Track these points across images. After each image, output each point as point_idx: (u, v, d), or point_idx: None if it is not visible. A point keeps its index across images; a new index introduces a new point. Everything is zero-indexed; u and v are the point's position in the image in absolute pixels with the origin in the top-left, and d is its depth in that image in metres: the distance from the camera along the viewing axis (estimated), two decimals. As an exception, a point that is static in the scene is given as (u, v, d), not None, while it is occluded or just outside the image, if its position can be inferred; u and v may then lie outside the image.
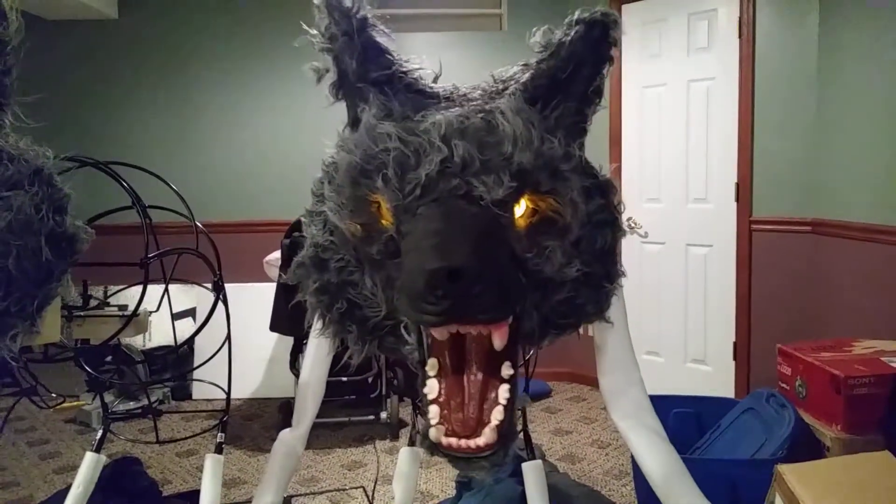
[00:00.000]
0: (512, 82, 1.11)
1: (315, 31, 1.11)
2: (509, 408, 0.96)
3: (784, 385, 2.46)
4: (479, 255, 0.86)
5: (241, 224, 4.22)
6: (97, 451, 1.71)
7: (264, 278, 3.61)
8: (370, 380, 3.40)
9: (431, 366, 0.99)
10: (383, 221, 0.99)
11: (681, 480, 1.26)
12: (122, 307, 2.04)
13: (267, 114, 4.27)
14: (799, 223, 3.29)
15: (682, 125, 3.65)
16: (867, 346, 2.43)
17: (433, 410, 0.96)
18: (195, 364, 3.44)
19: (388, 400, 3.47)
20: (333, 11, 1.07)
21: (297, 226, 3.26)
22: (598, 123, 1.15)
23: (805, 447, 2.16)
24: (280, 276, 3.22)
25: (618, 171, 1.11)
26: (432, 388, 0.98)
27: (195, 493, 1.93)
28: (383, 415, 3.45)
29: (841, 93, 3.03)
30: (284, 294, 3.15)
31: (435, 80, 1.18)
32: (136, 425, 3.65)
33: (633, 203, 3.80)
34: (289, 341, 3.44)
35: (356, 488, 2.86)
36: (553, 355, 3.94)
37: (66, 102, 4.22)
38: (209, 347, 2.11)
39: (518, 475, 1.64)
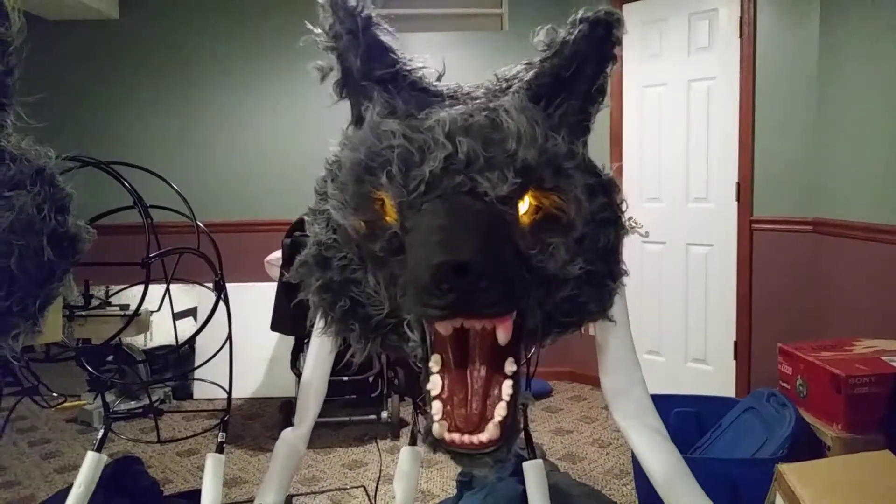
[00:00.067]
0: (515, 81, 1.12)
1: (319, 30, 1.11)
2: (512, 404, 0.96)
3: (785, 384, 2.46)
4: (485, 250, 0.87)
5: (243, 224, 4.23)
6: (98, 450, 1.71)
7: (265, 278, 3.61)
8: (371, 379, 3.41)
9: (434, 362, 0.99)
10: (387, 218, 0.99)
11: (683, 480, 1.26)
12: (124, 307, 2.04)
13: (268, 113, 4.27)
14: (800, 223, 3.29)
15: (683, 125, 3.66)
16: (868, 345, 2.43)
17: (436, 406, 0.96)
18: (196, 364, 3.44)
19: (389, 399, 3.47)
20: (338, 10, 1.08)
21: (297, 225, 3.27)
22: (599, 123, 1.16)
23: (806, 446, 2.16)
24: (282, 274, 3.22)
25: (619, 170, 1.11)
26: (435, 384, 0.98)
27: (196, 493, 1.93)
28: (384, 414, 3.45)
29: (841, 92, 3.03)
30: (286, 293, 3.15)
31: (438, 79, 1.18)
32: (138, 425, 3.65)
33: (634, 202, 3.80)
34: (290, 341, 3.44)
35: (357, 487, 2.86)
36: (554, 355, 3.95)
37: (67, 102, 4.22)
38: (210, 347, 2.11)
39: (519, 474, 1.64)
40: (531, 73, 1.09)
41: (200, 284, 2.40)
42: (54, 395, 1.99)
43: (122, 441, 3.33)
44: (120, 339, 2.00)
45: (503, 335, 0.94)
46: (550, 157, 0.98)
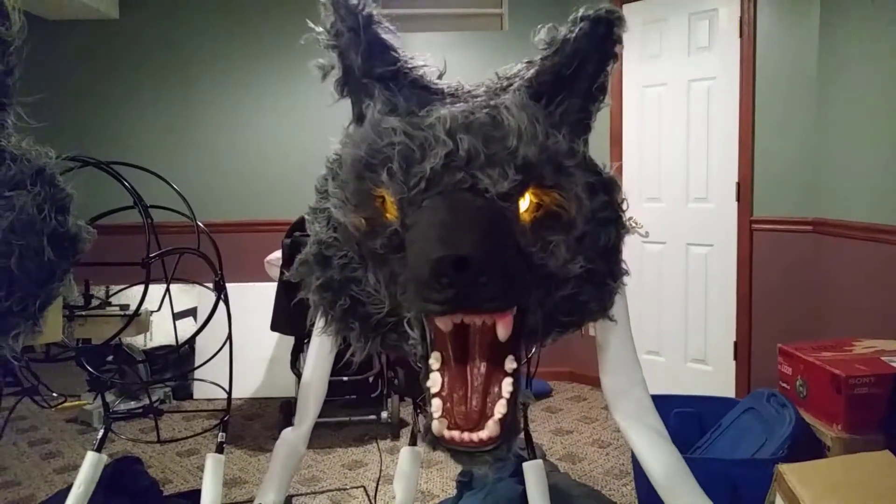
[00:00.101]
0: (516, 79, 1.12)
1: (320, 29, 1.12)
2: (512, 401, 0.96)
3: (784, 385, 2.46)
4: (485, 245, 0.87)
5: (243, 224, 4.23)
6: (98, 450, 1.71)
7: (265, 278, 3.61)
8: (371, 379, 3.41)
9: (434, 359, 0.99)
10: (387, 215, 0.99)
11: (683, 480, 1.26)
12: (124, 307, 2.04)
13: (268, 113, 4.27)
14: (800, 223, 3.30)
15: (683, 125, 3.66)
16: (868, 345, 2.43)
17: (436, 404, 0.96)
18: (196, 364, 3.44)
19: (389, 399, 3.47)
20: (339, 8, 1.08)
21: (297, 225, 3.27)
22: (599, 123, 1.16)
23: (805, 447, 2.16)
24: (282, 274, 3.22)
25: (619, 170, 1.11)
26: (435, 381, 0.98)
27: (196, 493, 1.93)
28: (384, 414, 3.45)
29: (841, 92, 3.03)
30: (286, 293, 3.15)
31: (439, 78, 1.18)
32: (137, 425, 3.65)
33: (634, 203, 3.80)
34: (290, 341, 3.44)
35: (357, 488, 2.86)
36: (554, 355, 3.95)
37: (67, 102, 4.22)
38: (210, 347, 2.11)
39: (519, 475, 1.64)
40: (532, 71, 1.09)
41: (200, 284, 2.40)
42: (54, 395, 1.99)
43: (121, 441, 3.33)
44: (120, 339, 2.00)
45: (503, 331, 0.94)
46: (551, 154, 0.98)
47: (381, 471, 2.96)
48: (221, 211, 4.18)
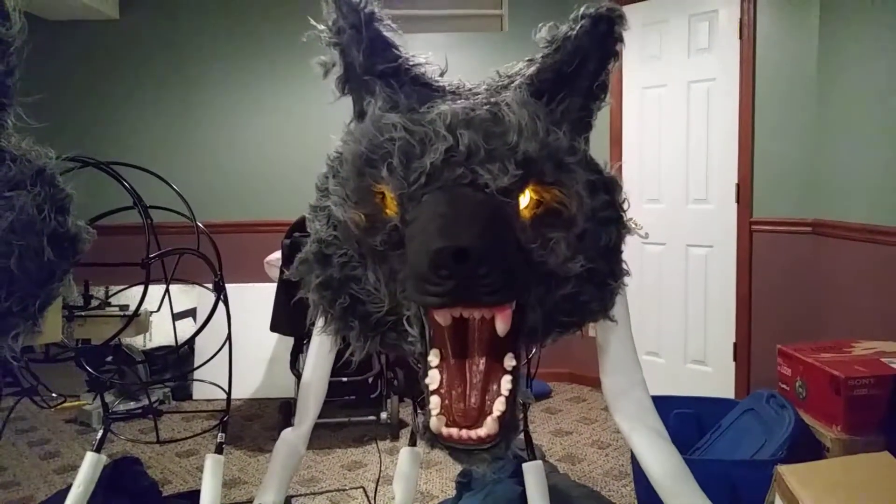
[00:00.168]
0: (518, 77, 1.12)
1: (322, 26, 1.12)
2: (511, 399, 0.96)
3: (784, 386, 2.46)
4: (485, 237, 0.87)
5: (242, 224, 4.23)
6: (97, 450, 1.71)
7: (265, 278, 3.61)
8: (370, 380, 3.41)
9: (433, 356, 0.99)
10: (387, 211, 0.99)
11: (683, 481, 1.26)
12: (123, 307, 2.04)
13: (268, 114, 4.27)
14: (799, 224, 3.30)
15: (683, 126, 3.66)
16: (867, 346, 2.43)
17: (434, 401, 0.96)
18: (196, 364, 3.44)
19: (389, 400, 3.47)
20: (342, 5, 1.08)
21: (297, 226, 3.27)
22: (599, 124, 1.16)
23: (805, 448, 2.17)
24: (281, 274, 3.22)
25: (619, 170, 1.11)
26: (434, 378, 0.98)
27: (195, 493, 1.93)
28: (383, 415, 3.45)
29: (841, 94, 3.03)
30: (285, 294, 3.15)
31: (441, 77, 1.18)
32: (137, 425, 3.65)
33: (634, 204, 3.74)
34: (289, 341, 3.44)
35: (356, 488, 2.86)
36: (554, 356, 3.95)
37: (67, 103, 4.22)
38: (210, 348, 2.11)
39: (518, 476, 1.64)
40: (533, 68, 1.10)
41: (200, 285, 2.40)
42: (54, 395, 1.99)
43: (121, 441, 3.33)
44: (119, 339, 2.00)
45: (502, 325, 0.94)
46: (552, 150, 0.98)
47: (380, 471, 2.96)
48: (221, 211, 4.18)
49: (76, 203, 1.30)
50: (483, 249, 0.85)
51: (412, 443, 1.60)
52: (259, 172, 4.29)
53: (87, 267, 1.43)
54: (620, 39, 1.09)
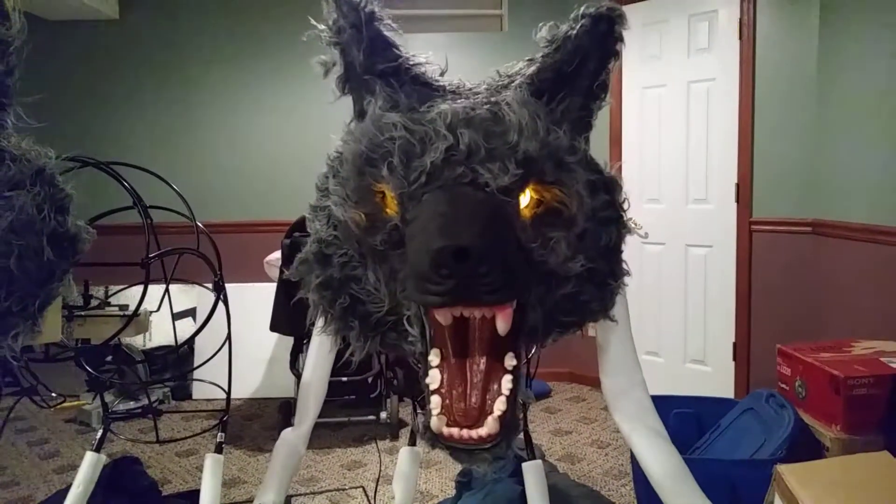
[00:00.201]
0: (518, 77, 1.12)
1: (322, 26, 1.12)
2: (512, 398, 0.95)
3: (783, 385, 2.46)
4: (486, 236, 0.86)
5: (242, 224, 4.23)
6: (97, 450, 1.71)
7: (265, 278, 3.61)
8: (370, 380, 3.41)
9: (434, 355, 0.99)
10: (388, 211, 0.99)
11: (683, 481, 1.26)
12: (123, 307, 2.04)
13: (268, 113, 4.27)
14: (799, 224, 3.30)
15: (683, 126, 3.66)
16: (867, 346, 2.43)
17: (435, 401, 0.95)
18: (195, 364, 3.44)
19: (388, 400, 3.47)
20: (342, 5, 1.09)
21: (297, 226, 3.27)
22: (599, 124, 1.16)
23: (804, 447, 2.17)
24: (281, 274, 3.22)
25: (619, 170, 1.11)
26: (434, 378, 0.98)
27: (195, 493, 1.93)
28: (383, 415, 3.45)
29: (841, 93, 3.03)
30: (285, 294, 3.15)
31: (441, 76, 1.18)
32: (136, 425, 3.65)
33: (634, 204, 3.73)
34: (289, 341, 3.44)
35: (356, 488, 2.86)
36: (553, 355, 3.95)
37: (67, 103, 4.22)
38: (209, 347, 2.11)
39: (518, 475, 1.64)
40: (533, 68, 1.10)
41: (200, 285, 2.40)
42: (53, 395, 1.99)
43: (120, 441, 3.33)
44: (119, 339, 2.00)
45: (503, 324, 0.94)
46: (552, 150, 0.98)
47: (380, 471, 2.96)
48: (221, 211, 4.18)
49: (76, 203, 1.30)
50: (483, 248, 0.84)
51: (412, 442, 1.60)
52: (259, 172, 4.29)
53: (86, 267, 1.43)
54: (621, 39, 1.09)
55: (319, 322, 1.15)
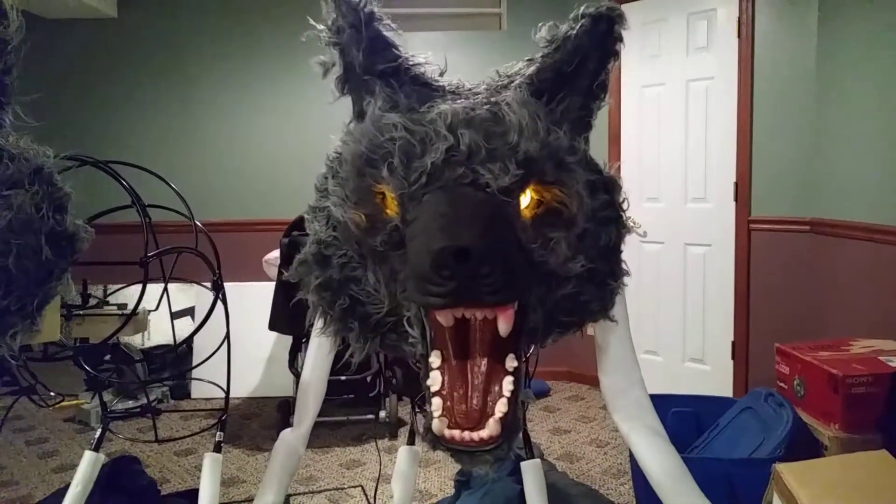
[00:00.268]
0: (517, 77, 1.12)
1: (322, 26, 1.12)
2: (513, 400, 0.95)
3: (782, 384, 2.46)
4: (487, 237, 0.86)
5: (241, 223, 4.22)
6: (96, 449, 1.71)
7: (263, 277, 3.61)
8: (369, 379, 3.41)
9: (435, 357, 0.98)
10: (388, 211, 0.99)
11: (682, 480, 1.26)
12: (122, 306, 2.04)
13: (267, 113, 4.27)
14: (797, 222, 3.30)
15: (681, 125, 3.66)
16: (865, 345, 2.43)
17: (436, 403, 0.95)
18: (194, 363, 3.44)
19: (387, 399, 3.47)
20: (341, 5, 1.08)
21: (296, 225, 3.27)
22: (598, 123, 1.16)
23: (803, 446, 2.17)
24: (280, 274, 3.22)
25: (618, 170, 1.11)
26: (435, 380, 0.97)
27: (194, 492, 1.93)
28: (382, 414, 3.45)
29: (840, 92, 3.03)
30: (284, 293, 3.15)
31: (440, 76, 1.18)
32: (135, 424, 3.65)
33: (633, 202, 3.74)
34: (288, 340, 3.44)
35: (355, 487, 2.86)
36: (552, 354, 3.95)
37: (65, 101, 4.22)
38: (208, 346, 2.11)
39: (517, 474, 1.64)
40: (533, 68, 1.10)
41: (198, 284, 2.40)
42: (52, 394, 1.99)
43: (119, 440, 3.32)
44: (118, 338, 1.99)
45: (504, 325, 0.93)
46: (552, 150, 0.98)
47: (379, 470, 2.96)
48: (220, 210, 4.17)
49: (74, 202, 1.29)
50: (484, 249, 0.84)
51: (410, 441, 1.60)
52: (258, 171, 4.28)
53: (85, 266, 1.43)
54: (620, 39, 1.09)
55: (319, 323, 1.15)
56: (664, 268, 3.79)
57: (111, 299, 2.21)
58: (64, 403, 3.55)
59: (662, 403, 1.93)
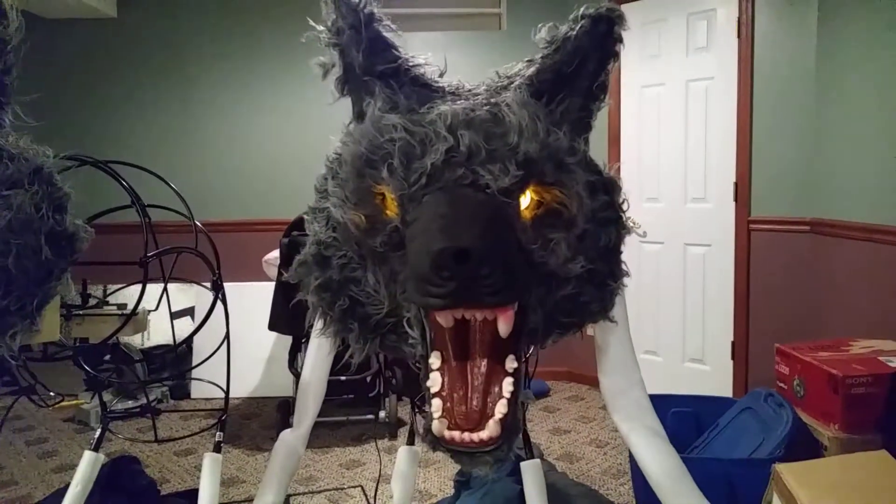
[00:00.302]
0: (517, 77, 1.12)
1: (321, 27, 1.12)
2: (513, 401, 0.95)
3: (782, 384, 2.46)
4: (486, 238, 0.86)
5: (241, 223, 4.22)
6: (95, 449, 1.71)
7: (263, 277, 3.61)
8: (369, 379, 3.40)
9: (435, 358, 0.98)
10: (387, 212, 0.99)
11: (681, 481, 1.26)
12: (121, 306, 2.04)
13: (266, 113, 4.27)
14: (797, 223, 3.30)
15: (681, 125, 3.66)
16: (865, 345, 2.43)
17: (436, 404, 0.95)
18: (194, 363, 3.44)
19: (387, 399, 3.47)
20: (341, 5, 1.08)
21: (296, 225, 3.27)
22: (598, 123, 1.16)
23: (803, 446, 2.17)
24: (279, 274, 3.22)
25: (618, 171, 1.11)
26: (435, 381, 0.97)
27: (193, 493, 1.93)
28: (382, 414, 3.45)
29: (839, 92, 3.03)
30: (284, 293, 3.15)
31: (440, 77, 1.18)
32: (135, 424, 3.65)
33: (632, 203, 3.74)
34: (287, 340, 3.44)
35: (354, 487, 2.86)
36: (552, 355, 3.95)
37: (65, 101, 4.22)
38: (208, 346, 2.11)
39: (516, 474, 1.64)
40: (532, 69, 1.10)
41: (198, 284, 2.40)
42: (51, 394, 1.98)
43: (119, 440, 3.32)
44: (117, 338, 1.99)
45: (504, 326, 0.93)
46: (552, 151, 0.98)
47: (379, 470, 2.96)
48: (220, 210, 4.17)
49: (74, 202, 1.30)
50: (484, 250, 0.84)
51: (410, 441, 1.60)
52: (258, 171, 4.28)
53: (85, 266, 1.43)
54: (620, 40, 1.10)
55: (318, 324, 1.15)
56: (664, 268, 3.79)
57: (111, 299, 2.21)
58: (63, 403, 3.55)
59: (662, 403, 1.94)
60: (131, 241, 1.84)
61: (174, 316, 2.48)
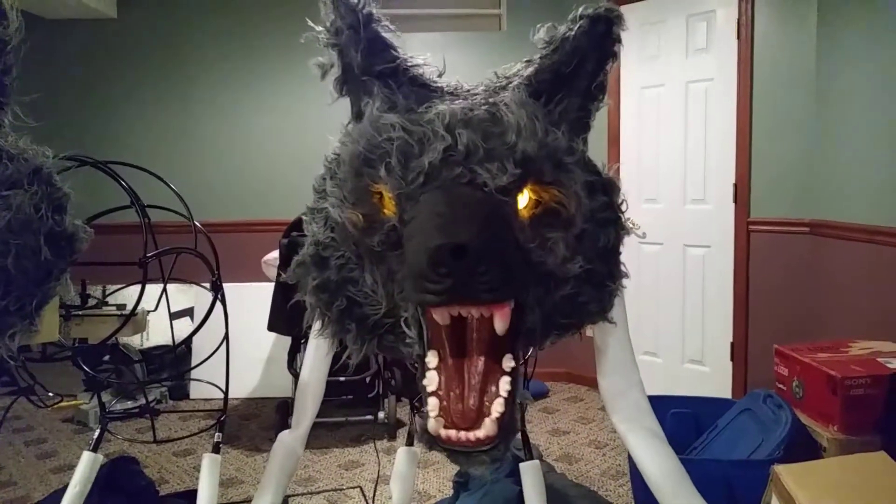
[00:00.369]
0: (516, 78, 1.12)
1: (320, 27, 1.12)
2: (510, 400, 0.95)
3: (781, 386, 2.46)
4: (484, 235, 0.87)
5: (240, 224, 4.22)
6: (94, 450, 1.70)
7: (263, 278, 3.61)
8: (368, 380, 3.40)
9: (431, 357, 0.98)
10: (385, 211, 0.99)
11: (680, 482, 1.26)
12: (121, 306, 2.04)
13: (266, 113, 4.27)
14: (797, 224, 3.30)
15: (681, 126, 3.66)
16: (864, 346, 2.43)
17: (432, 402, 0.95)
18: (193, 364, 3.44)
19: (386, 400, 3.47)
20: (339, 6, 1.09)
21: (295, 225, 3.27)
22: (597, 124, 1.16)
23: (802, 448, 2.17)
24: (279, 274, 3.22)
25: (617, 172, 1.11)
26: (432, 380, 0.97)
27: (192, 493, 1.93)
28: (381, 415, 3.45)
29: (839, 94, 3.03)
30: (283, 294, 3.15)
31: (439, 77, 1.18)
32: (134, 425, 3.65)
33: (632, 203, 3.73)
34: (286, 341, 3.44)
35: (353, 488, 2.86)
36: (551, 355, 3.94)
37: (65, 102, 4.22)
38: (207, 347, 2.11)
39: (515, 475, 1.64)
40: (531, 69, 1.10)
41: (197, 284, 2.40)
42: (50, 394, 1.98)
43: (118, 441, 3.32)
44: (116, 338, 1.99)
45: (501, 324, 0.93)
46: (550, 150, 0.98)
47: (378, 471, 2.96)
48: (219, 211, 4.17)
49: (73, 202, 1.30)
50: (481, 247, 0.85)
51: (409, 442, 1.60)
52: (258, 172, 4.28)
53: (84, 266, 1.43)
54: (619, 40, 1.10)
55: (316, 325, 1.15)
56: (663, 269, 3.79)
57: (110, 300, 2.21)
58: (62, 404, 3.55)
59: (661, 405, 1.94)
60: (130, 242, 1.84)
61: (173, 316, 2.48)
